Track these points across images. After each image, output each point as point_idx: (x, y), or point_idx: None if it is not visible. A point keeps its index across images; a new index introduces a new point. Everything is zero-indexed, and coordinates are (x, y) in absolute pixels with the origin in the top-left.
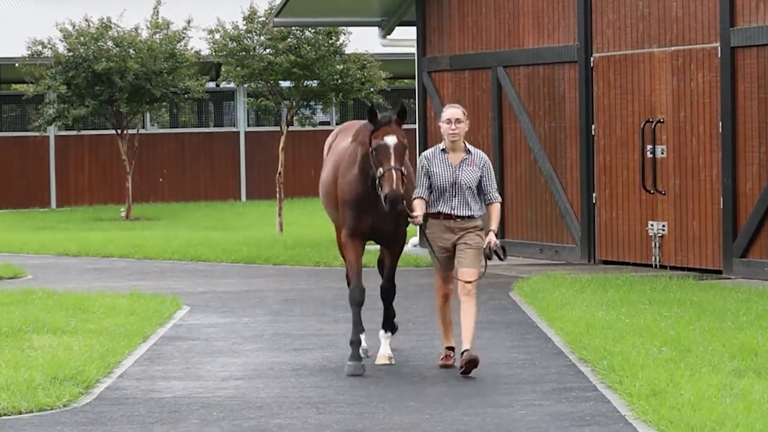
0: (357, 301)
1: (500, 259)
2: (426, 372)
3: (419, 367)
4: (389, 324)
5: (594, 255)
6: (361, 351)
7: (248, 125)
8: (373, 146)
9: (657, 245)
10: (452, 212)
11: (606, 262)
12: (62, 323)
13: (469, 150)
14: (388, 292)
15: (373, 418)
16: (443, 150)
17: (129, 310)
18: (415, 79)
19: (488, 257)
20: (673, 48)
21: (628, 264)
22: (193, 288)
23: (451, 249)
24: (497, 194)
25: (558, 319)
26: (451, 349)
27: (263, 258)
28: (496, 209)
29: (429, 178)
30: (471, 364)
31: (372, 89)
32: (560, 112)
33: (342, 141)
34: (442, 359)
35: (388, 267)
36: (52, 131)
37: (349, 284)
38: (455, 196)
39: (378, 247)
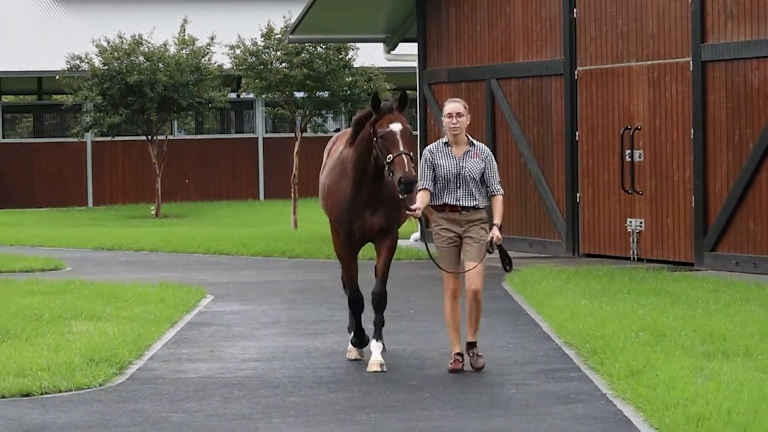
0: (357, 310)
1: (505, 269)
2: (426, 355)
3: (420, 350)
4: (380, 332)
5: (578, 249)
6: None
7: (266, 132)
8: (378, 134)
9: (635, 240)
10: (457, 203)
11: (589, 256)
12: (98, 310)
13: (472, 143)
14: (380, 299)
15: (378, 396)
16: (446, 143)
17: (158, 299)
18: (416, 90)
19: (489, 251)
20: (649, 62)
21: (608, 257)
22: (216, 279)
23: (458, 240)
24: (500, 187)
25: (546, 307)
26: (461, 354)
27: (279, 251)
28: (498, 202)
29: (433, 171)
30: (479, 369)
31: None
32: (547, 120)
33: (340, 146)
34: (451, 363)
35: (380, 272)
36: (89, 137)
37: (344, 286)
38: (459, 188)
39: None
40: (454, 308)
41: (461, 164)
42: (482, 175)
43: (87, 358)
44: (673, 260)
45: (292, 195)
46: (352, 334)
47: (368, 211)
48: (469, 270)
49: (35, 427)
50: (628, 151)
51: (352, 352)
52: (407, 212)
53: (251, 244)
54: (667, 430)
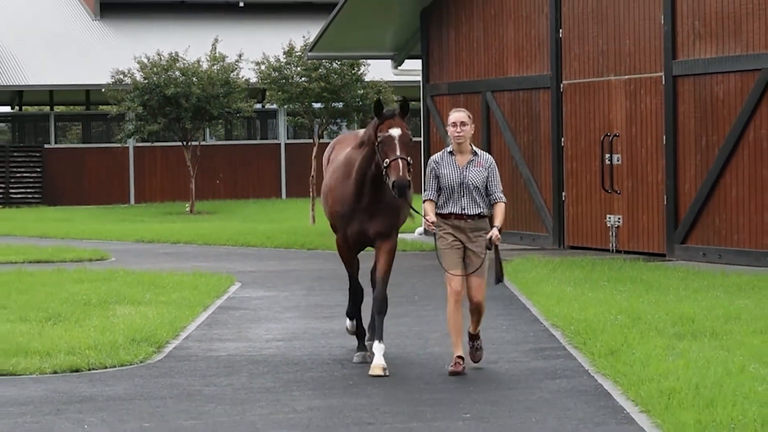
0: (357, 299)
1: (496, 281)
2: (429, 335)
3: (423, 332)
4: (381, 334)
5: (563, 242)
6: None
7: (287, 138)
8: (378, 138)
9: (614, 234)
10: (462, 212)
11: (573, 248)
12: (139, 296)
13: (475, 152)
14: (381, 304)
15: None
16: (450, 152)
17: (192, 286)
18: (420, 101)
19: (488, 248)
20: (626, 77)
21: (590, 249)
22: (244, 268)
23: (461, 244)
24: (502, 195)
25: (535, 293)
26: (461, 357)
27: (299, 244)
28: (501, 208)
29: (438, 181)
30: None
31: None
32: (536, 128)
33: (340, 152)
34: (452, 366)
35: (381, 274)
36: (131, 143)
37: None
38: (464, 196)
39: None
40: (456, 312)
41: (465, 173)
42: (485, 183)
43: (129, 338)
44: (648, 252)
45: (311, 194)
46: (351, 321)
47: (368, 215)
48: (473, 272)
49: (84, 398)
50: (607, 156)
51: (348, 325)
52: (427, 226)
53: (274, 237)
54: (642, 402)
